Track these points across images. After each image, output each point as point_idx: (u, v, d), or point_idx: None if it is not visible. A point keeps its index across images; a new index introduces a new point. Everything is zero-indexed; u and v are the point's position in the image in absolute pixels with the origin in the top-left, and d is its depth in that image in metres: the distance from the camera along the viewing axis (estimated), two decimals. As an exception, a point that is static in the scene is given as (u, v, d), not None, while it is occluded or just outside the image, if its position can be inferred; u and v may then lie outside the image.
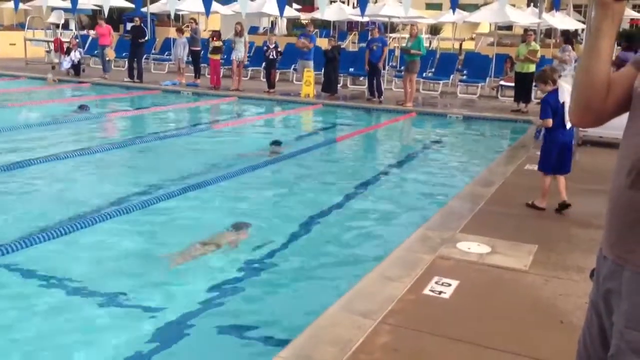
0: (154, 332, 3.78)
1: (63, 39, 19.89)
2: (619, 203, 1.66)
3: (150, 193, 6.81)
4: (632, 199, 1.61)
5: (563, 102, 5.96)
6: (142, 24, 17.52)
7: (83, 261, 4.93)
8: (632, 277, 1.61)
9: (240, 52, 15.83)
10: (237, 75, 16.04)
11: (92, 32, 21.41)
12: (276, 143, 9.56)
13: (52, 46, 20.34)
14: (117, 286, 4.43)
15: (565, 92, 6.03)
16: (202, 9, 18.74)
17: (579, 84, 1.76)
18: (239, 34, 15.82)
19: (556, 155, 6.10)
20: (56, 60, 19.26)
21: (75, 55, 18.05)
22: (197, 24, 18.67)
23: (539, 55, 13.86)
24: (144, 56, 18.30)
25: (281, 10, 17.78)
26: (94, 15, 27.21)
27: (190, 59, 17.40)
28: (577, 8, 29.47)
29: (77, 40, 19.16)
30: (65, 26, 24.98)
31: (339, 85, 16.50)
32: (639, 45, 8.68)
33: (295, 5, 28.06)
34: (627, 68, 1.75)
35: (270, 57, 15.68)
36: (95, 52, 20.71)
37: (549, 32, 24.91)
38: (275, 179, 7.94)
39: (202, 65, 17.62)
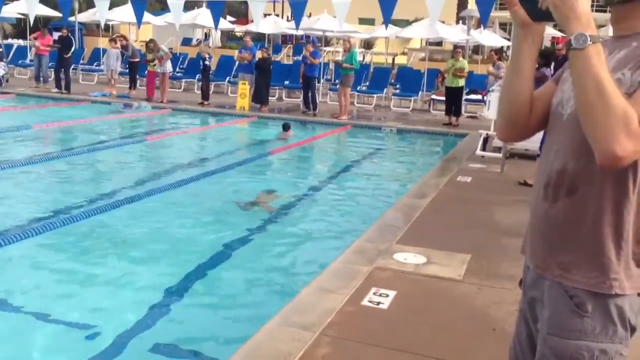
0: (81, 351, 3.62)
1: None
2: (536, 215, 1.72)
3: (76, 207, 6.55)
4: (547, 212, 1.67)
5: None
6: (69, 34, 16.98)
7: (7, 279, 4.68)
8: (552, 286, 1.67)
9: (163, 65, 15.61)
10: (163, 87, 15.81)
11: (34, 41, 20.34)
12: (285, 127, 10.18)
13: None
14: (44, 305, 4.23)
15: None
16: (133, 19, 18.39)
17: (503, 101, 1.80)
18: (152, 50, 15.60)
19: None
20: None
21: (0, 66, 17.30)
22: (127, 40, 18.27)
23: (466, 71, 14.39)
24: (72, 67, 17.74)
25: (216, 22, 17.65)
26: (19, 24, 26.20)
27: (126, 69, 16.97)
28: (503, 26, 30.73)
29: (1, 49, 18.37)
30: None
31: (274, 98, 16.46)
32: (552, 59, 9.18)
33: (229, 18, 27.93)
34: (549, 84, 1.82)
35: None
36: (20, 61, 19.94)
37: (477, 49, 25.86)
38: (209, 192, 7.82)
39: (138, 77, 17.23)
